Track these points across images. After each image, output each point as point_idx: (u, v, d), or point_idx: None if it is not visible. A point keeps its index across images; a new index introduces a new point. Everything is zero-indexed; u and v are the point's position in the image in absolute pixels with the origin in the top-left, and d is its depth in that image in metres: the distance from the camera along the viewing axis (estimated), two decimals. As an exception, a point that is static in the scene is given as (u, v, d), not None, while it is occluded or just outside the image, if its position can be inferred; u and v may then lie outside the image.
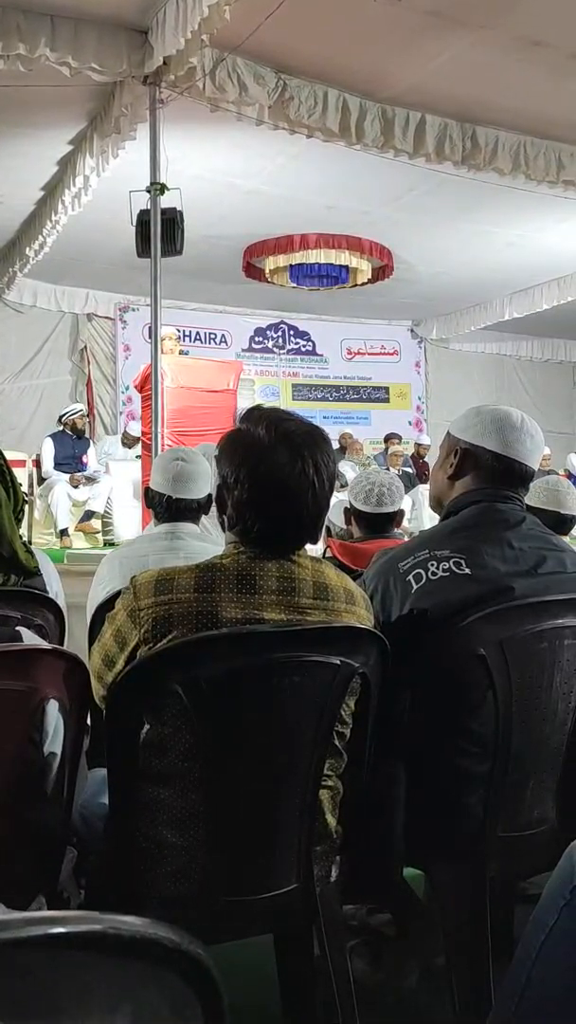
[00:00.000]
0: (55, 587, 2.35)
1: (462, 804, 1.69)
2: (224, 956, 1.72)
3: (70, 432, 8.30)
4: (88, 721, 1.64)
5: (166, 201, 5.79)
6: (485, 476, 1.83)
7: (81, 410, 8.67)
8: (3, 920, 0.46)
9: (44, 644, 1.47)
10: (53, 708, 1.42)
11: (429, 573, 1.70)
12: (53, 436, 8.36)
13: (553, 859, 1.42)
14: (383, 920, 2.10)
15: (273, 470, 1.42)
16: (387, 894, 1.97)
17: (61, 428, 8.40)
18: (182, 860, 1.41)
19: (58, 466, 8.08)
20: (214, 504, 1.57)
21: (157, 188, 5.69)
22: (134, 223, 5.97)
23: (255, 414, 1.51)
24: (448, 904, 1.77)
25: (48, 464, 8.11)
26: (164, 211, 5.79)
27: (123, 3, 4.97)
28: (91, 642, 1.92)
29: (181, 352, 7.77)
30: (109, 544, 7.49)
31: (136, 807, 1.44)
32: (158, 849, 1.42)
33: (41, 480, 8.14)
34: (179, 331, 11.07)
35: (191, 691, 1.36)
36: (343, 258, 9.14)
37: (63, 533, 7.50)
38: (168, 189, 5.74)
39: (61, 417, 8.45)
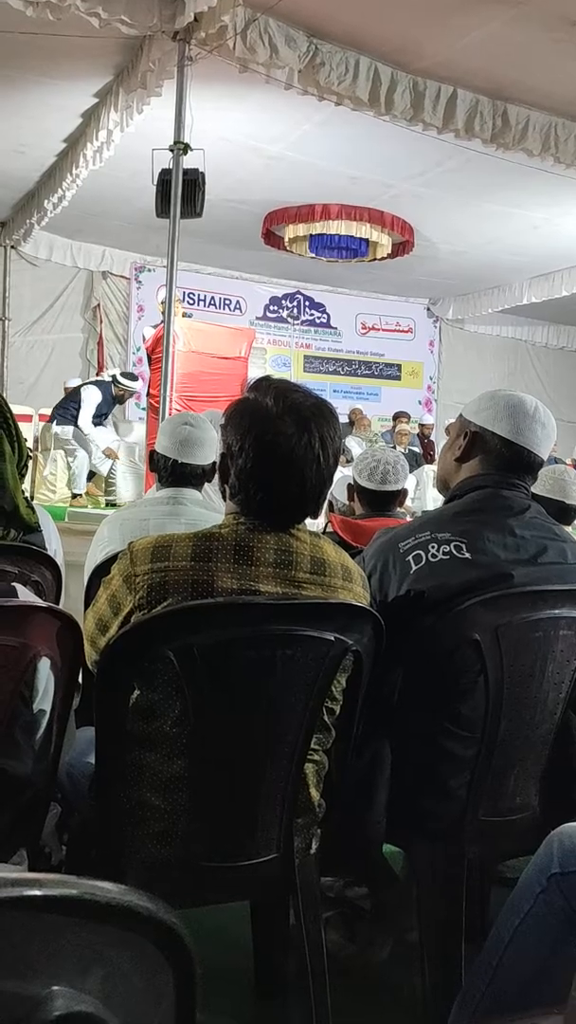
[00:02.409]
0: (54, 544, 2.35)
1: (446, 786, 1.70)
2: (200, 920, 1.74)
3: (111, 396, 8.14)
4: (79, 680, 1.64)
5: (188, 162, 5.73)
6: (493, 461, 1.81)
7: (136, 390, 8.48)
8: (-22, 880, 0.46)
9: (39, 602, 1.47)
10: (44, 666, 1.43)
11: (429, 555, 1.70)
12: (100, 387, 8.10)
13: (532, 845, 1.44)
14: (360, 894, 2.12)
15: (278, 440, 1.41)
16: (365, 869, 1.99)
17: (107, 382, 8.19)
18: (164, 823, 1.42)
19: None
20: (217, 472, 1.55)
21: (180, 147, 5.62)
22: (155, 182, 5.90)
23: (264, 384, 1.50)
24: (425, 883, 1.78)
25: (88, 415, 7.83)
26: (186, 172, 5.72)
27: (157, -45, 4.89)
28: (87, 603, 1.93)
29: (184, 315, 7.69)
30: (111, 505, 7.50)
31: (122, 769, 1.45)
32: (141, 811, 1.43)
33: (65, 431, 7.92)
34: (194, 295, 11.04)
35: (183, 658, 1.36)
36: (364, 231, 9.05)
37: (75, 496, 7.50)
38: (191, 149, 5.67)
39: (115, 378, 8.21)
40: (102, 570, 1.90)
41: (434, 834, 1.73)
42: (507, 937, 1.36)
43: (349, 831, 1.75)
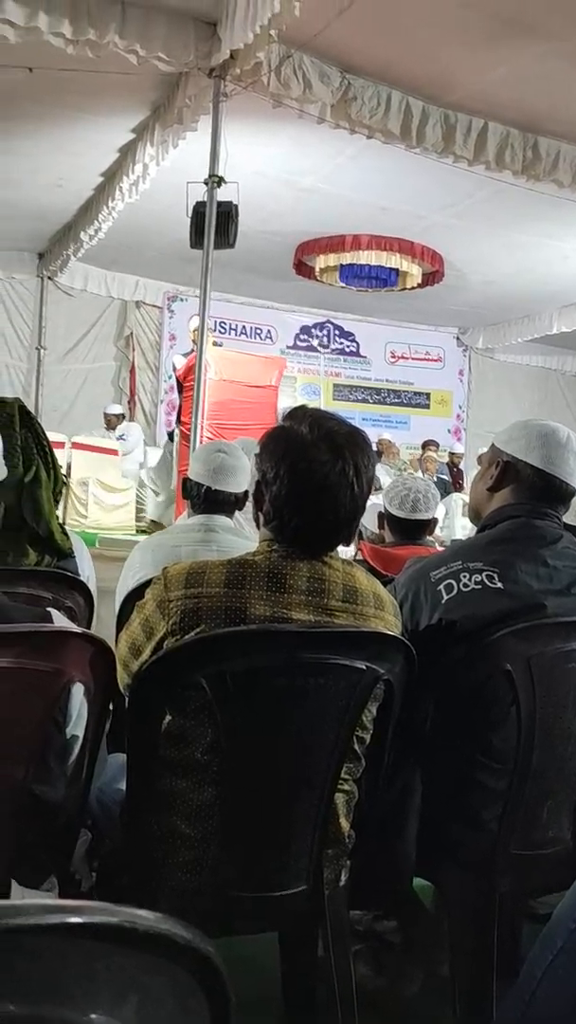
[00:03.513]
0: (87, 570, 2.38)
1: (477, 817, 1.68)
2: (228, 950, 1.73)
3: None
4: (111, 706, 1.65)
5: (222, 194, 5.81)
6: (525, 491, 1.81)
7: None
8: (20, 905, 0.46)
9: (74, 627, 1.48)
10: (78, 691, 1.44)
11: (461, 584, 1.69)
12: None
13: (566, 880, 1.41)
14: (389, 927, 2.10)
15: (313, 467, 1.43)
16: (395, 902, 1.97)
17: None
18: (194, 852, 1.42)
19: None
20: (250, 500, 1.57)
21: (215, 180, 5.71)
22: (189, 214, 5.98)
23: (299, 413, 1.52)
24: (456, 915, 1.76)
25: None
26: (220, 204, 5.80)
27: (194, -7, 5.00)
28: (119, 629, 1.94)
29: (215, 344, 7.79)
30: (142, 531, 7.54)
31: (152, 796, 1.45)
32: (171, 839, 1.43)
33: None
34: (225, 324, 11.15)
35: (216, 685, 1.36)
36: (394, 261, 9.10)
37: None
38: (225, 182, 5.75)
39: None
40: (134, 596, 1.91)
41: (465, 866, 1.71)
42: (539, 973, 1.33)
43: (379, 863, 1.74)
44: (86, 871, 1.56)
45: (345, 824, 1.56)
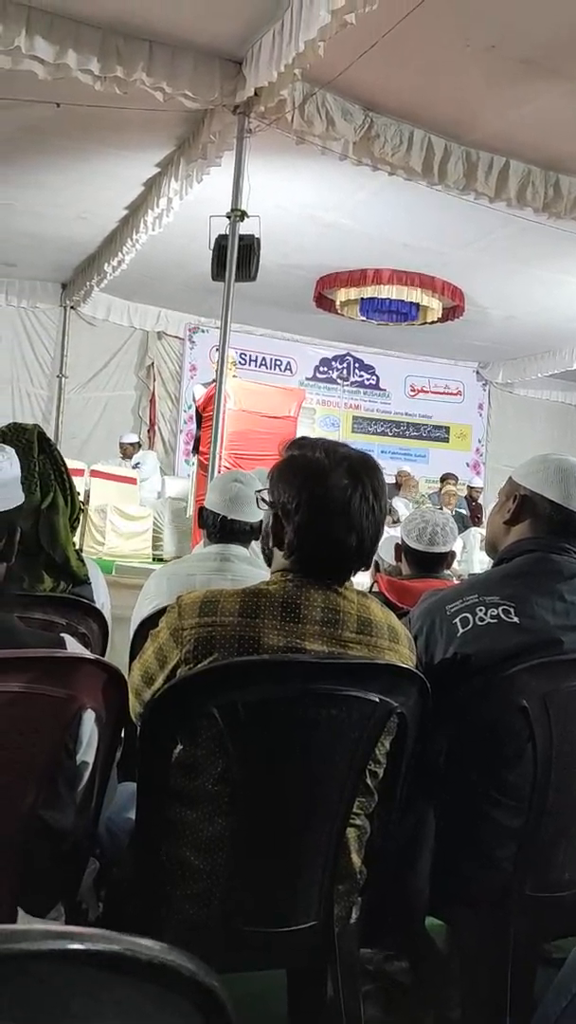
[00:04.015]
0: (102, 597, 2.38)
1: (491, 856, 1.65)
2: (235, 985, 1.70)
3: None
4: (122, 734, 1.64)
5: (245, 228, 5.88)
6: (542, 525, 1.80)
7: None
8: (22, 931, 0.46)
9: (87, 654, 1.48)
10: (89, 718, 1.43)
11: (476, 618, 1.68)
12: None
13: (580, 924, 1.39)
14: (400, 968, 2.06)
15: (334, 493, 1.43)
16: (407, 941, 1.93)
17: None
18: (203, 884, 1.40)
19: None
20: (266, 534, 1.56)
21: (237, 215, 5.78)
22: (212, 247, 6.06)
23: (307, 442, 1.53)
24: (468, 958, 1.73)
25: None
26: (242, 237, 5.87)
27: (221, 34, 5.09)
28: (132, 656, 1.94)
29: (233, 376, 7.87)
30: (158, 560, 7.56)
31: (162, 826, 1.44)
32: (180, 870, 1.41)
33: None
34: (246, 355, 11.24)
35: (228, 715, 1.36)
36: (415, 295, 9.16)
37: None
38: (248, 216, 5.83)
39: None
40: (148, 624, 1.91)
41: (478, 907, 1.68)
42: (554, 1017, 1.30)
43: (391, 900, 1.71)
44: (93, 900, 1.55)
45: (357, 859, 1.53)
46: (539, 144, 5.96)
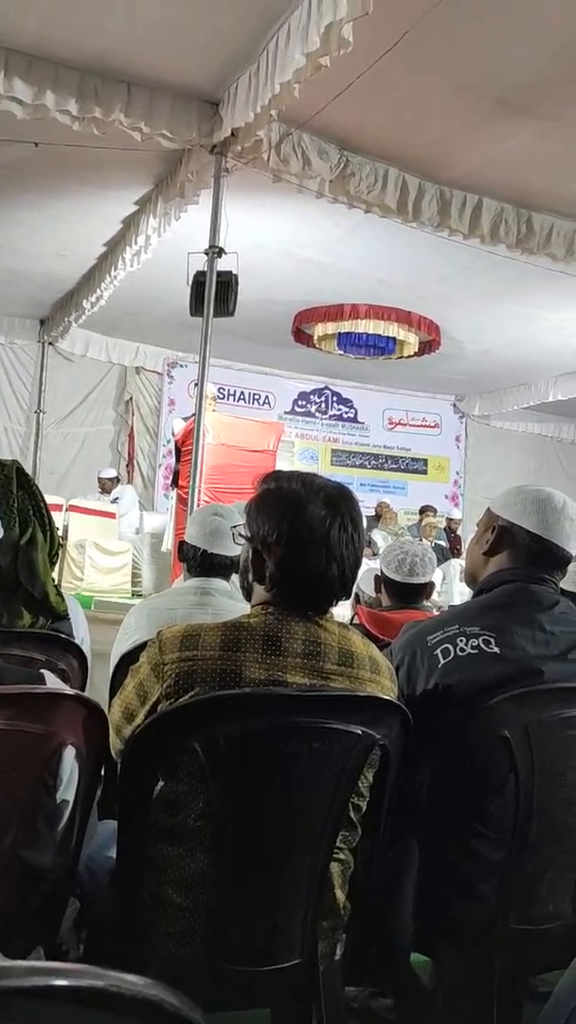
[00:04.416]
0: (82, 632, 2.37)
1: (475, 889, 1.64)
2: (219, 1027, 1.67)
3: None
4: (102, 772, 1.62)
5: (222, 264, 5.94)
6: (521, 555, 1.81)
7: None
8: (6, 967, 0.45)
9: (67, 689, 1.47)
10: (69, 754, 1.42)
11: (457, 649, 1.69)
12: None
13: (567, 957, 1.37)
14: (385, 1005, 2.03)
15: (314, 525, 1.44)
16: (391, 978, 1.91)
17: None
18: (186, 922, 1.38)
19: None
20: (246, 568, 1.56)
21: (215, 251, 5.84)
22: (190, 283, 6.11)
23: (282, 474, 1.54)
24: (453, 992, 1.71)
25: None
26: (220, 273, 5.93)
27: (198, 75, 5.18)
28: (112, 691, 1.92)
29: (212, 411, 7.91)
30: (137, 595, 7.52)
31: (143, 863, 1.42)
32: (162, 908, 1.39)
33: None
34: (224, 389, 11.30)
35: (209, 749, 1.35)
36: (391, 330, 9.27)
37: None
38: (225, 253, 5.89)
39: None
40: (128, 659, 1.90)
41: (461, 941, 1.67)
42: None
43: (375, 936, 1.69)
44: (74, 941, 1.52)
45: (340, 895, 1.52)
46: (511, 182, 6.08)
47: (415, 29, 4.27)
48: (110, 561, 7.94)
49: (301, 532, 1.44)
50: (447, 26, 4.36)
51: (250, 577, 1.52)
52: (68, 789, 1.45)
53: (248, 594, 1.57)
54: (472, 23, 4.41)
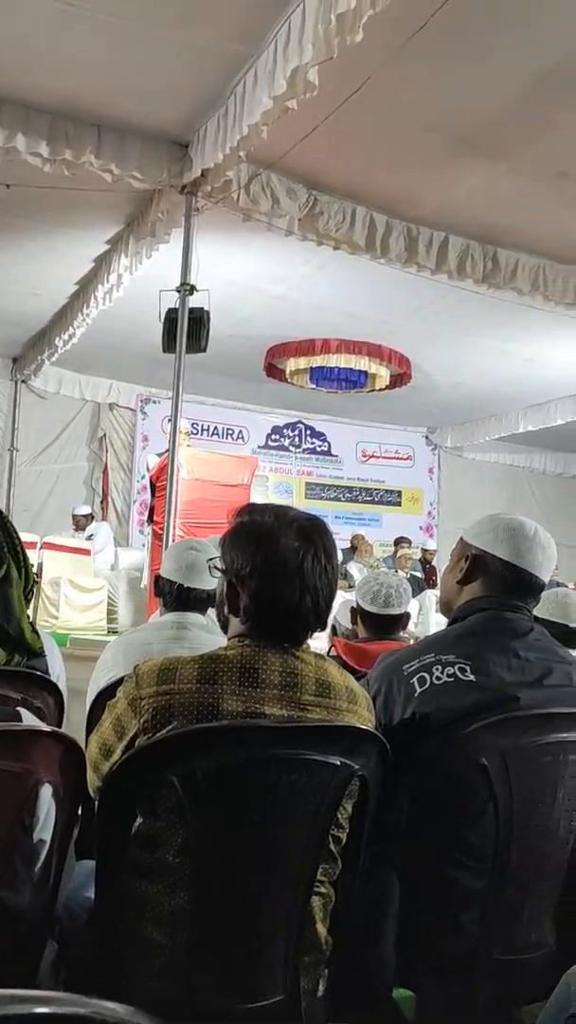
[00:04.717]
0: (57, 669, 2.34)
1: (456, 920, 1.64)
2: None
3: None
4: (79, 811, 1.61)
5: (194, 301, 6.00)
6: (495, 583, 1.83)
7: None
8: (-12, 996, 0.45)
9: (43, 726, 1.46)
10: (47, 793, 1.40)
11: (433, 677, 1.70)
12: None
13: (550, 987, 1.37)
14: (369, 1043, 2.00)
15: (287, 557, 1.45)
16: (374, 1014, 1.89)
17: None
18: (165, 959, 1.37)
19: None
20: (221, 601, 1.56)
21: (187, 289, 5.90)
22: (162, 320, 6.16)
23: (256, 507, 1.56)
24: (437, 1028, 1.69)
25: None
26: (191, 310, 5.98)
27: (167, 118, 5.27)
28: (89, 729, 1.91)
29: (188, 446, 7.94)
30: (113, 632, 7.46)
31: (122, 901, 1.40)
32: (142, 946, 1.38)
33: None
34: (197, 425, 11.34)
35: (187, 784, 1.34)
36: (362, 364, 9.37)
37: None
38: (197, 290, 5.95)
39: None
40: (105, 695, 1.89)
41: (445, 973, 1.66)
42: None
43: (357, 971, 1.68)
44: (52, 983, 1.49)
45: (322, 929, 1.51)
46: (477, 219, 6.22)
47: (379, 72, 4.39)
48: (85, 598, 7.88)
49: (274, 564, 1.45)
50: (410, 70, 4.48)
51: (226, 610, 1.53)
52: (45, 828, 1.43)
53: (225, 627, 1.58)
54: (434, 67, 4.53)
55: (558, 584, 6.23)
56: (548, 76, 4.56)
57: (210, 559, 1.60)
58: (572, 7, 4.04)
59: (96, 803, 1.50)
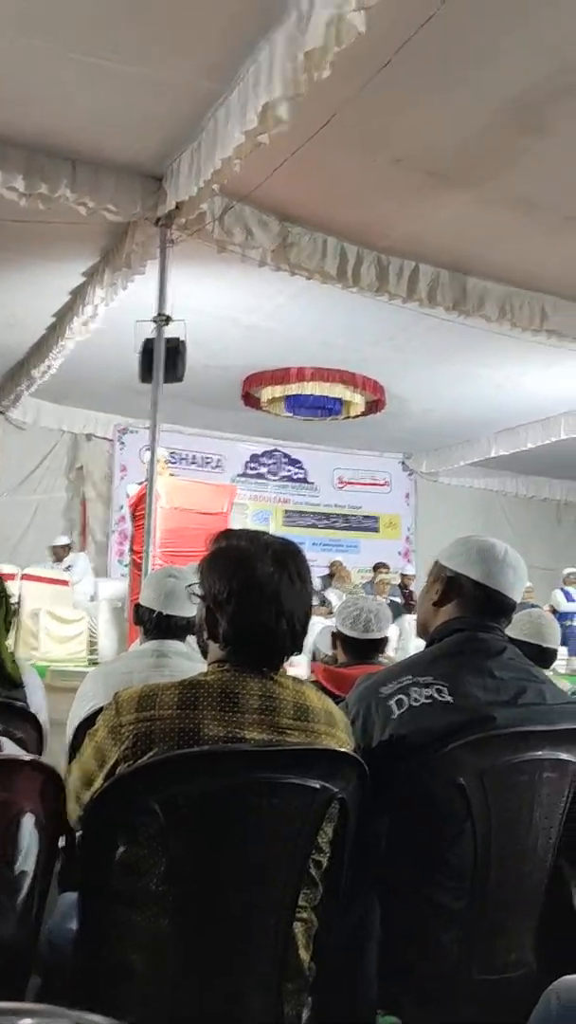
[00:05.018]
0: (38, 700, 2.34)
1: (438, 941, 1.64)
2: None
3: None
4: (60, 843, 1.60)
5: (170, 331, 6.04)
6: (468, 604, 1.86)
7: None
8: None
9: (24, 755, 1.46)
10: (28, 822, 1.41)
11: (411, 699, 1.71)
12: None
13: (531, 1007, 1.38)
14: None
15: (263, 580, 1.47)
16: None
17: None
18: (149, 989, 1.37)
19: None
20: (200, 626, 1.58)
21: (162, 319, 5.95)
22: (138, 350, 6.19)
23: (231, 532, 1.58)
24: (421, 1053, 1.69)
25: None
26: (168, 340, 6.02)
27: (141, 152, 5.35)
28: (70, 758, 1.91)
29: (170, 475, 7.95)
30: (93, 663, 7.41)
31: (106, 931, 1.40)
32: (125, 975, 1.38)
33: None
34: (176, 454, 11.36)
35: (169, 810, 1.35)
36: (337, 391, 9.46)
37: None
38: (173, 320, 6.00)
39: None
40: (86, 725, 1.89)
41: (427, 996, 1.66)
42: None
43: (341, 996, 1.68)
44: (36, 1016, 1.48)
45: (305, 955, 1.51)
46: (446, 248, 6.33)
47: (347, 106, 4.48)
48: (65, 629, 7.84)
49: (251, 588, 1.47)
50: (377, 103, 4.58)
51: (205, 635, 1.54)
52: (27, 859, 1.43)
53: (205, 652, 1.59)
54: (401, 101, 4.64)
55: (532, 607, 6.28)
56: (512, 108, 4.68)
57: (189, 585, 1.61)
58: (534, 40, 4.16)
59: (78, 833, 1.50)
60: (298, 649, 1.54)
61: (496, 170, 5.32)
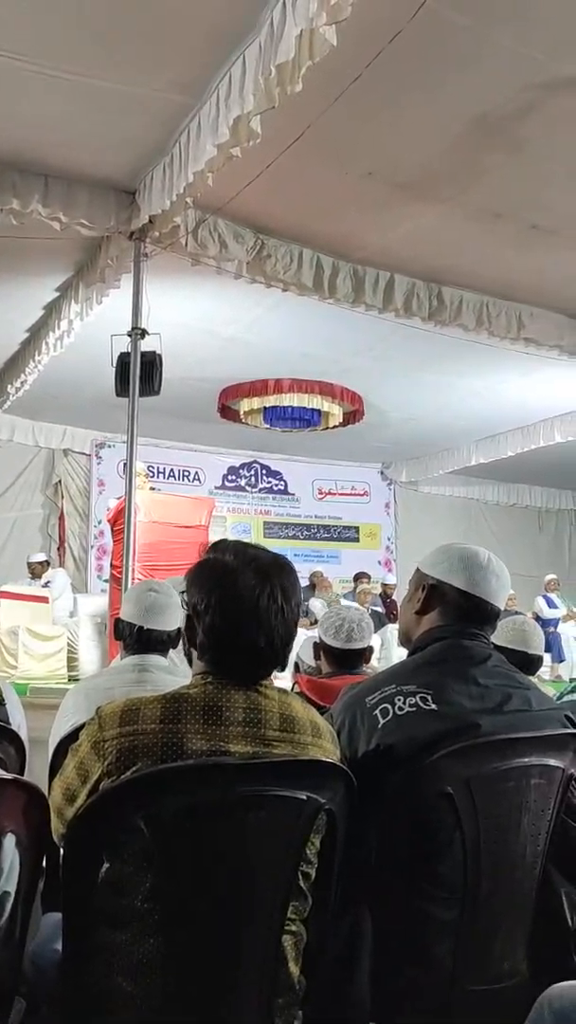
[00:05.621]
0: (18, 719, 2.31)
1: (429, 953, 1.63)
2: None
3: None
4: (43, 863, 1.58)
5: (146, 344, 6.03)
6: (452, 612, 1.85)
7: None
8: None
9: (5, 774, 1.43)
10: (10, 843, 1.38)
11: (396, 708, 1.70)
12: None
13: (524, 1016, 1.37)
14: None
15: (243, 594, 1.45)
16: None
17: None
18: (136, 1010, 1.34)
19: None
20: (183, 635, 1.57)
21: (138, 333, 5.94)
22: (114, 364, 6.18)
23: (221, 544, 1.56)
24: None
25: None
26: (144, 354, 6.01)
27: (114, 166, 5.34)
28: (52, 776, 1.88)
29: (151, 488, 7.92)
30: (74, 680, 7.35)
31: (91, 950, 1.37)
32: (112, 997, 1.35)
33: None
34: (154, 467, 11.33)
35: (153, 826, 1.33)
36: (315, 402, 9.47)
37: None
38: (148, 334, 5.98)
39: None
40: (68, 741, 1.86)
41: (420, 1008, 1.64)
42: None
43: (332, 1011, 1.66)
44: (21, 1041, 1.45)
45: (295, 969, 1.49)
46: (420, 259, 6.38)
47: (320, 120, 4.51)
48: (44, 647, 7.76)
49: (228, 602, 1.46)
50: (350, 118, 4.62)
51: (187, 645, 1.53)
52: (10, 880, 1.41)
53: (191, 661, 1.58)
54: (372, 115, 4.68)
55: (515, 614, 6.29)
56: (480, 123, 4.73)
57: (181, 592, 1.60)
58: (501, 58, 4.21)
59: (61, 850, 1.47)
60: (281, 666, 1.51)
61: (465, 183, 5.38)
